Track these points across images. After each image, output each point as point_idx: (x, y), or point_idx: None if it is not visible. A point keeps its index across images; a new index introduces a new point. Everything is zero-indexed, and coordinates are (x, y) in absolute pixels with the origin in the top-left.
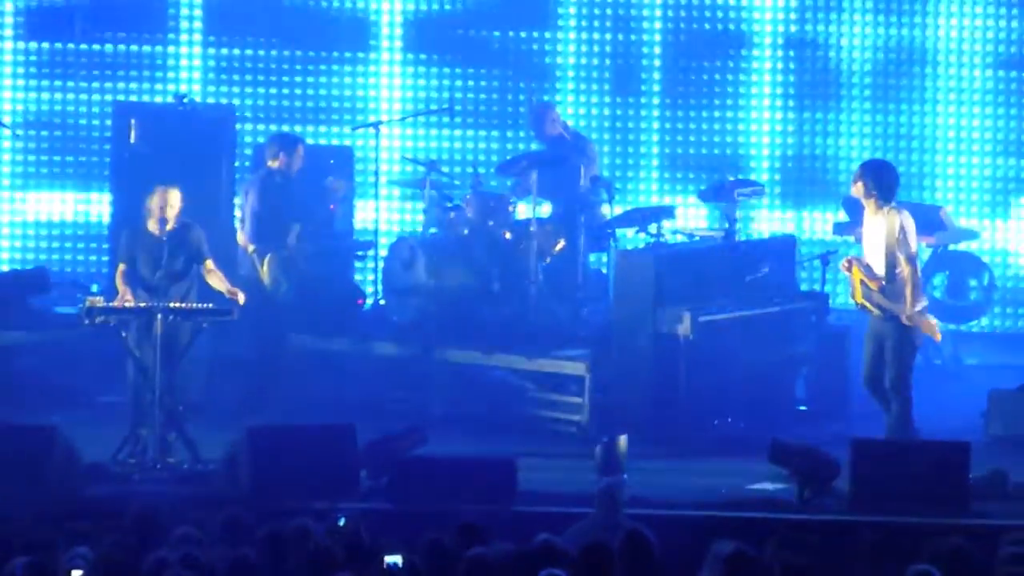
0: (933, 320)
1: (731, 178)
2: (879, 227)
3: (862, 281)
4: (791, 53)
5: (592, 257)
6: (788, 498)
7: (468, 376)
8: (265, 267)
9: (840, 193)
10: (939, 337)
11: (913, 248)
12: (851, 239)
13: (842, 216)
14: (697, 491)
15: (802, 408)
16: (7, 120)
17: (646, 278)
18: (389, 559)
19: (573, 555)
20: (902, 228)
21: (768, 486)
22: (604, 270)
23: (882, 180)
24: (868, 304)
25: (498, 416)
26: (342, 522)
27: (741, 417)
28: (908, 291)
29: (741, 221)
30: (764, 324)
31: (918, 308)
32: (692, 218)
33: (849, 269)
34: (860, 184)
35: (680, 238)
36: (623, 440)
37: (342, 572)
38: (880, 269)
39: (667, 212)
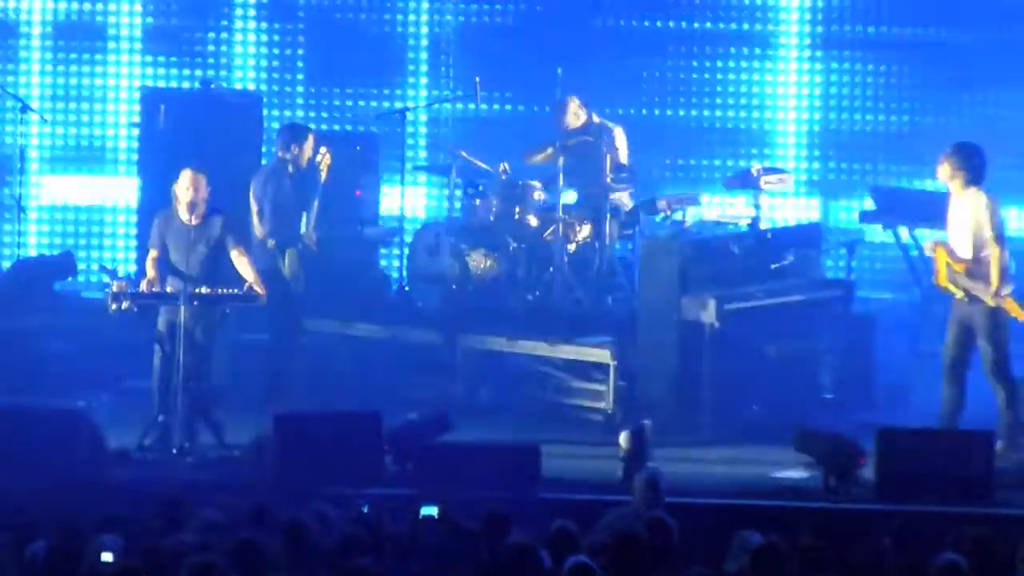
0: (1018, 302)
1: (757, 166)
2: (964, 208)
3: (948, 264)
4: (819, 41)
5: (617, 244)
6: (814, 486)
7: (493, 363)
8: (287, 261)
9: (867, 183)
10: (1023, 318)
11: (998, 230)
12: (878, 227)
13: (869, 204)
14: (722, 479)
15: (827, 396)
16: (35, 105)
17: (671, 265)
18: (425, 510)
19: (599, 543)
20: (988, 208)
21: (794, 474)
22: (629, 257)
23: (971, 161)
24: (952, 287)
25: (522, 403)
26: (366, 509)
27: (766, 405)
28: (994, 271)
29: (767, 208)
30: (789, 312)
31: (1004, 290)
32: (717, 205)
33: (934, 251)
34: (947, 164)
35: (706, 225)
36: (648, 427)
37: (365, 558)
38: (966, 251)
39: (692, 199)
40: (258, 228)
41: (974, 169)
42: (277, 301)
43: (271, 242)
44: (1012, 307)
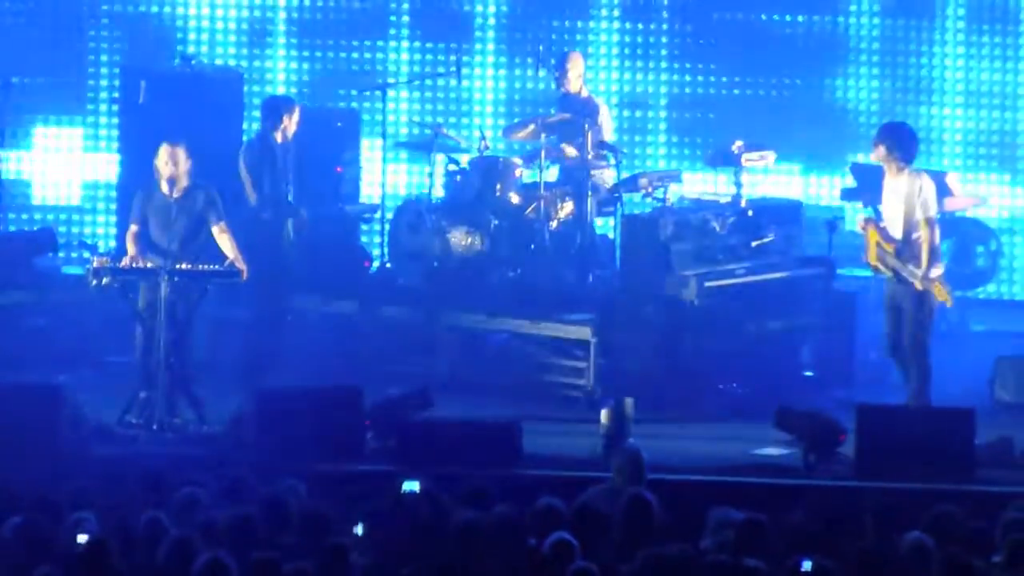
0: (946, 287)
1: (738, 143)
2: (899, 190)
3: (878, 243)
4: (800, 19)
5: (599, 221)
6: (794, 464)
7: (474, 340)
8: (286, 232)
9: (847, 160)
10: (951, 303)
11: (932, 212)
12: (859, 204)
13: (849, 181)
14: (702, 456)
15: (808, 374)
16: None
17: (653, 243)
18: (407, 485)
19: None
20: (922, 191)
21: (774, 451)
22: (611, 235)
23: (902, 142)
24: (882, 266)
25: (503, 380)
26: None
27: (747, 383)
28: (924, 254)
29: (748, 186)
30: (770, 289)
31: (933, 273)
32: (699, 183)
33: (865, 229)
34: (881, 147)
35: (687, 202)
36: (628, 404)
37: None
38: (897, 232)
39: (674, 177)
40: (252, 197)
41: (906, 150)
42: (264, 276)
43: (267, 213)
44: (940, 293)
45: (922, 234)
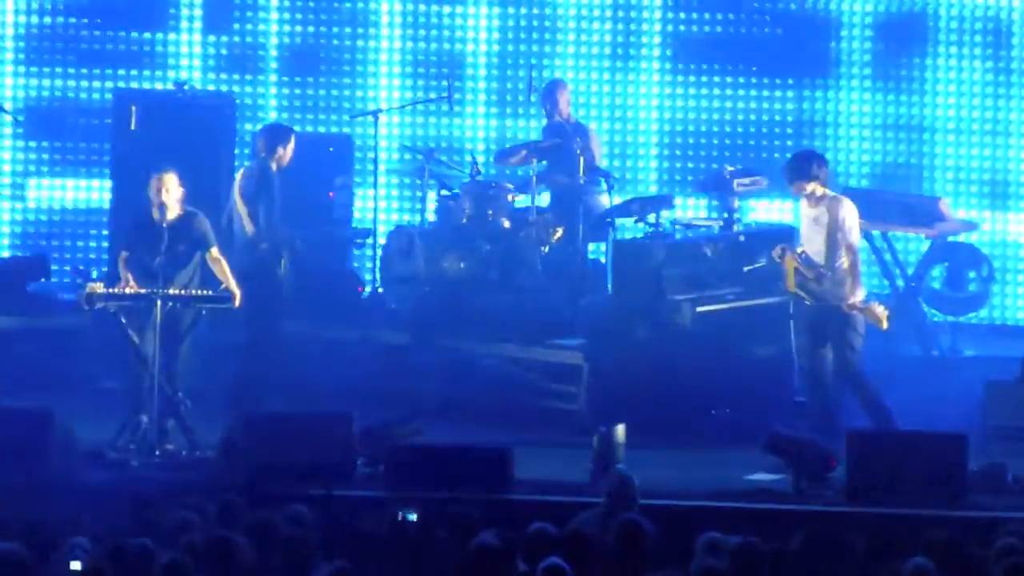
0: (880, 308)
1: (730, 168)
2: (820, 217)
3: (796, 269)
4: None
5: (591, 247)
6: (785, 489)
7: (465, 365)
8: (284, 262)
9: (839, 184)
10: (886, 326)
11: (854, 237)
12: None
13: None
14: (693, 481)
15: (799, 399)
16: (8, 106)
17: (645, 268)
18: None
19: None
20: (845, 214)
21: (765, 476)
22: (603, 260)
23: (822, 168)
24: (802, 293)
25: (495, 405)
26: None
27: (739, 407)
28: (849, 280)
29: (739, 211)
30: (761, 315)
31: (859, 297)
32: (691, 208)
33: (782, 257)
34: (799, 182)
35: (679, 228)
36: (620, 430)
37: (336, 560)
38: (820, 258)
39: (666, 202)
40: (249, 227)
41: (825, 175)
42: (258, 303)
43: (264, 244)
44: (874, 316)
45: (846, 259)
